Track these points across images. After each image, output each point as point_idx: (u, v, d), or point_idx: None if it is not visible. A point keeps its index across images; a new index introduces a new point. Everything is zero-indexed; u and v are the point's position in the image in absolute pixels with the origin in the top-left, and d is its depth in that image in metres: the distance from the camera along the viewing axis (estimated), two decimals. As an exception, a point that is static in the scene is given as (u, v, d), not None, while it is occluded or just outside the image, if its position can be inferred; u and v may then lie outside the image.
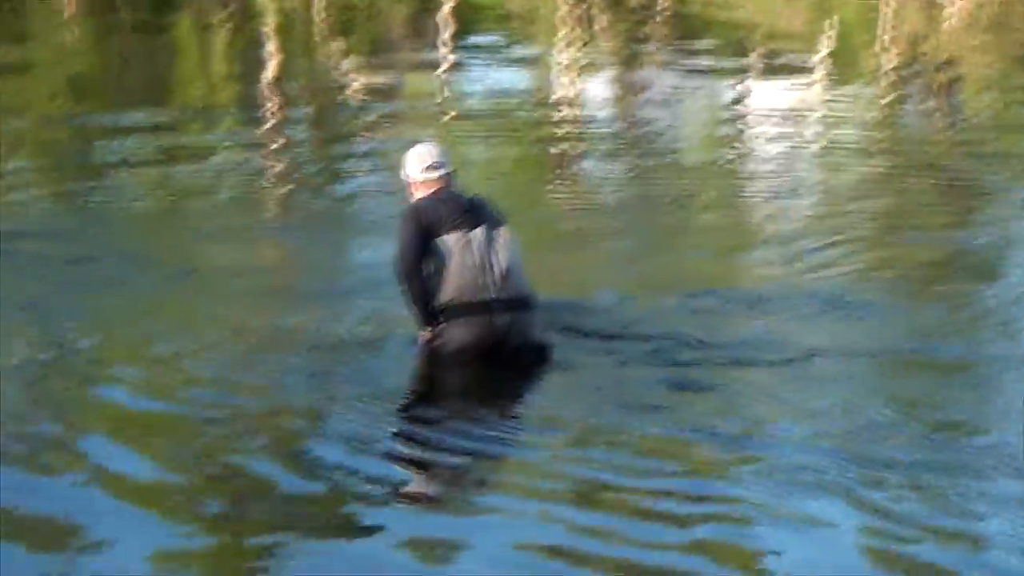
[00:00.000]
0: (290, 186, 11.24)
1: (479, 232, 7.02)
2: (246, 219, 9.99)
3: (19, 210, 9.91)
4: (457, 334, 6.96)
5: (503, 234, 7.07)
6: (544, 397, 6.91)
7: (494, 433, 6.32)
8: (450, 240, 6.99)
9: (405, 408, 6.70)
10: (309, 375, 6.87)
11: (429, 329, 6.99)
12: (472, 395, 6.88)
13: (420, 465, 6.05)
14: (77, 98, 15.05)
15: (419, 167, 7.23)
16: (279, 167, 11.92)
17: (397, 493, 5.71)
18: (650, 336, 7.35)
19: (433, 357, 6.99)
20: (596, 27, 21.76)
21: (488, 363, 6.92)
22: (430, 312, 6.96)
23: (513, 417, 6.67)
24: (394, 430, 6.43)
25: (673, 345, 7.25)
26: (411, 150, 7.31)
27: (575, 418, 6.43)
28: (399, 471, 5.97)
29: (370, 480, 5.75)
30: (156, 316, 7.64)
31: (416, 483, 5.91)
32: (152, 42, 19.09)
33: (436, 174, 7.21)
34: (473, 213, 7.11)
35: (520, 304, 7.02)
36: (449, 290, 6.94)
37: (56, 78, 16.37)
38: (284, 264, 9.07)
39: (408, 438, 6.32)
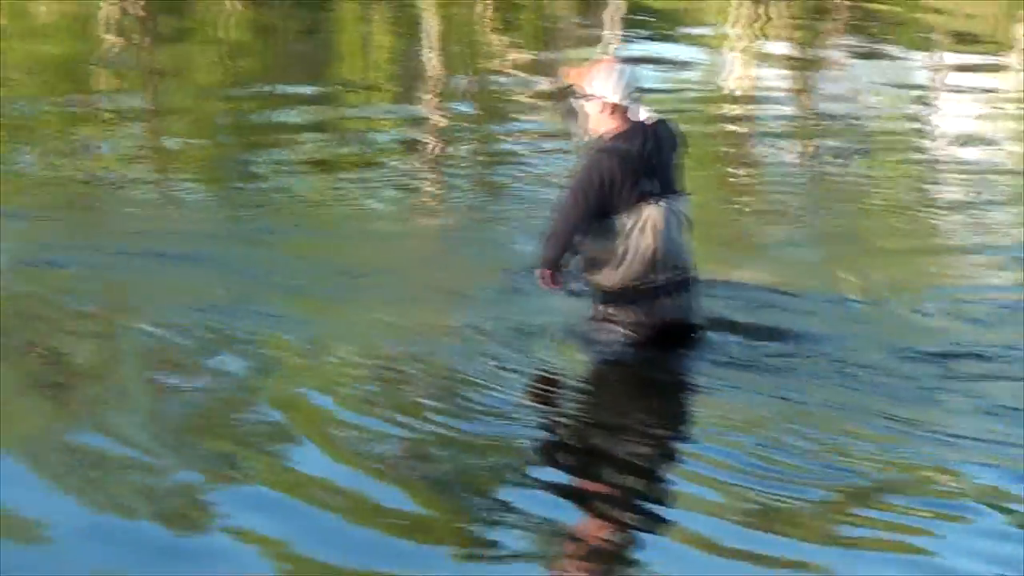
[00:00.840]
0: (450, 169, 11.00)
1: (665, 206, 6.28)
2: (406, 211, 9.81)
3: (182, 205, 9.83)
4: (629, 317, 6.40)
5: (684, 205, 6.40)
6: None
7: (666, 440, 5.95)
8: (635, 216, 6.25)
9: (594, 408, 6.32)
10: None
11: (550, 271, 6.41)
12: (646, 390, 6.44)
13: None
14: (237, 74, 15.33)
15: (622, 89, 6.27)
16: (439, 150, 11.74)
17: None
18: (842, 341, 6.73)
19: (600, 340, 6.50)
20: (771, 13, 20.92)
21: (656, 348, 6.47)
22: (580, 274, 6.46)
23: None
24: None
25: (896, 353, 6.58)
26: (606, 65, 6.41)
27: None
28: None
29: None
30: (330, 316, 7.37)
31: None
32: (314, 19, 19.12)
33: (635, 105, 6.31)
34: (661, 168, 6.30)
35: (692, 284, 6.48)
36: (624, 270, 6.33)
37: (217, 51, 16.63)
38: (445, 260, 8.60)
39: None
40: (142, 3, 19.72)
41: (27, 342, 6.85)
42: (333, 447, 5.74)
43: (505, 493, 5.34)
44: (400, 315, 7.18)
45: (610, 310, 6.44)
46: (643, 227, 6.28)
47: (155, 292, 7.55)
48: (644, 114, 6.37)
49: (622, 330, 6.44)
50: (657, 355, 6.46)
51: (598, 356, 6.57)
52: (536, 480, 5.50)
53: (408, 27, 18.98)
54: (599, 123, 6.33)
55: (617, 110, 6.28)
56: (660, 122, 6.40)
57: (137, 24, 18.88)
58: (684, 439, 6.01)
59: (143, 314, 7.20)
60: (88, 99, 13.84)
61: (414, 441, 5.77)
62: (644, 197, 6.24)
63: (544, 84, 14.68)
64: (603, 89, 6.27)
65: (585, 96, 6.34)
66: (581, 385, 6.57)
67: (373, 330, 7.08)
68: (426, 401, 6.17)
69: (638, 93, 6.36)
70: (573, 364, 6.69)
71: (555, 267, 6.41)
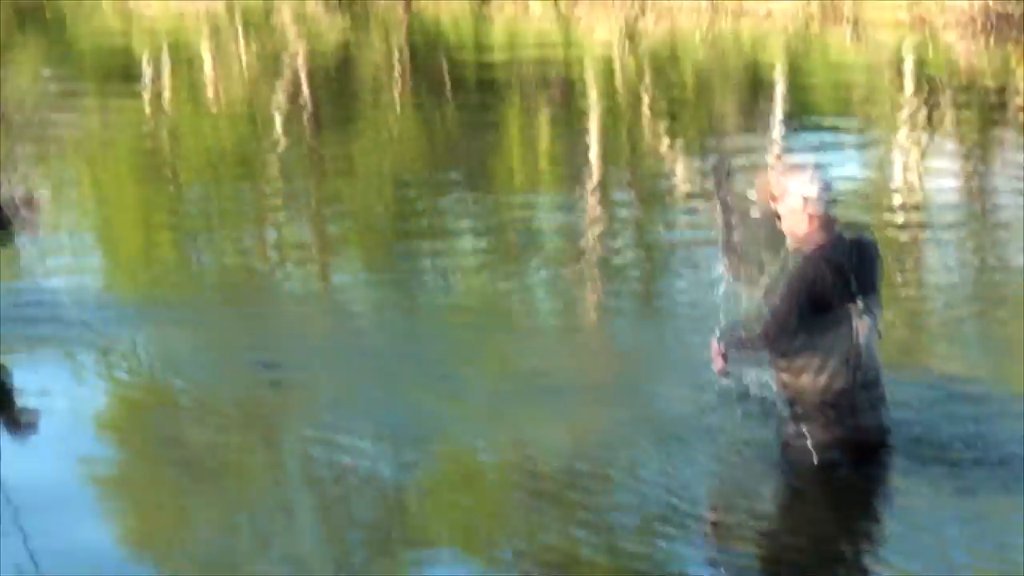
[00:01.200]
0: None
1: (868, 317, 6.34)
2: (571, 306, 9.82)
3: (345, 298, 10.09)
4: (828, 435, 6.37)
5: (880, 318, 6.45)
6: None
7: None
8: (841, 324, 6.29)
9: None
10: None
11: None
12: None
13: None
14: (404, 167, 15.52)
15: (823, 193, 6.34)
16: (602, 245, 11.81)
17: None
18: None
19: (794, 458, 6.46)
20: (943, 118, 20.63)
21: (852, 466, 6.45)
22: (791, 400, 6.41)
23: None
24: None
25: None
26: (803, 169, 6.51)
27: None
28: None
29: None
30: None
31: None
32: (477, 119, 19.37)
33: (831, 209, 6.38)
34: (865, 281, 6.36)
35: (885, 398, 6.42)
36: (826, 377, 6.31)
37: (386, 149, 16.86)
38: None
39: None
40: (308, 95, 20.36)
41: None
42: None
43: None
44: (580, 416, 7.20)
45: (805, 427, 6.40)
46: (848, 335, 6.29)
47: (317, 390, 7.63)
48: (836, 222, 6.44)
49: (819, 448, 6.38)
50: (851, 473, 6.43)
51: (791, 476, 6.54)
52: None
53: (571, 124, 19.21)
54: (796, 225, 6.36)
55: (816, 216, 6.32)
56: (861, 235, 6.53)
57: (305, 114, 19.46)
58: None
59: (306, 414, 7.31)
60: (258, 188, 14.30)
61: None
62: (851, 307, 6.28)
63: (705, 182, 14.54)
64: (802, 193, 6.33)
65: (784, 200, 6.37)
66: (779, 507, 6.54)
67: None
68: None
69: (833, 200, 6.42)
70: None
71: (741, 351, 6.40)
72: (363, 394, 7.57)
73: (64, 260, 10.28)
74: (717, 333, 6.44)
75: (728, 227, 6.79)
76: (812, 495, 6.46)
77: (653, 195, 14.39)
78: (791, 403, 6.46)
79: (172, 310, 9.17)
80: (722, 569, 5.85)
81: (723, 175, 6.95)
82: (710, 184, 7.21)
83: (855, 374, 6.35)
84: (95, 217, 12.96)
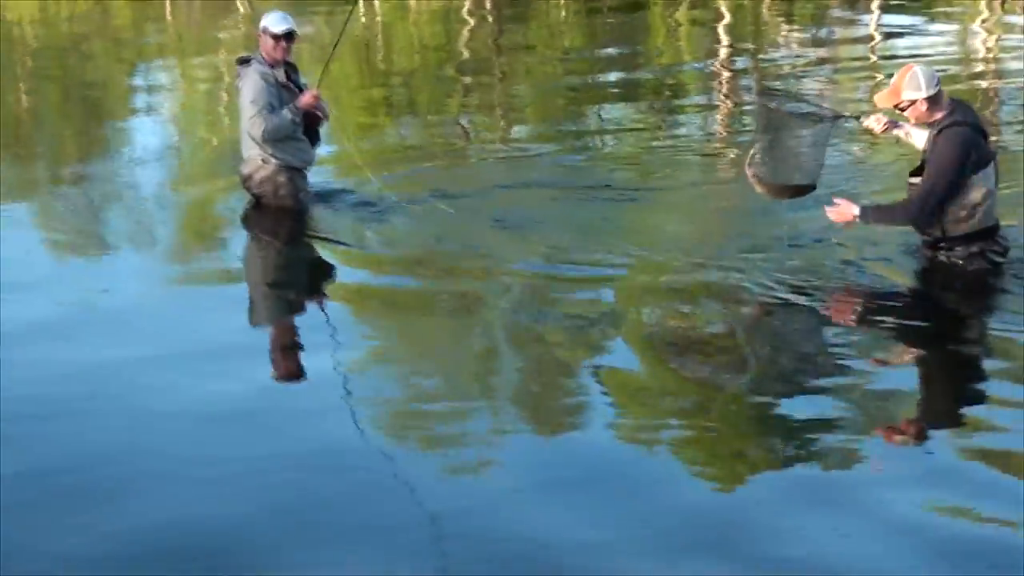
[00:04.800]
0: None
1: (993, 163, 6.95)
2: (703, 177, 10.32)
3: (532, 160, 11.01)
4: (1000, 249, 7.06)
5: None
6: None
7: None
8: (983, 174, 6.86)
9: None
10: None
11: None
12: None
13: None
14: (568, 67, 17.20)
15: (930, 83, 6.84)
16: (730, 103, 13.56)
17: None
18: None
19: (986, 272, 7.04)
20: None
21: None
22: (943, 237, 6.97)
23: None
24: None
25: None
26: (907, 72, 6.89)
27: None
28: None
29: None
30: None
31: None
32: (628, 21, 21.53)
33: (941, 94, 6.91)
34: (984, 134, 6.97)
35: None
36: (983, 216, 6.93)
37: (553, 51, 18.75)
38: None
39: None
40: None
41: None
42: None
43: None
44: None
45: (961, 254, 7.02)
46: (986, 182, 6.89)
47: (508, 242, 8.29)
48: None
49: (976, 261, 7.04)
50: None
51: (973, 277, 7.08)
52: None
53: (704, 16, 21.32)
54: (925, 116, 6.89)
55: (933, 99, 6.84)
56: (960, 100, 7.15)
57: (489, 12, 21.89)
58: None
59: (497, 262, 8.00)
60: (451, 79, 16.23)
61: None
62: (986, 159, 6.90)
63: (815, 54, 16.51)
64: (918, 91, 6.82)
65: (907, 104, 6.87)
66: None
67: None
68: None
69: (938, 81, 6.95)
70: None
71: (882, 222, 7.06)
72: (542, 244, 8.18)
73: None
74: (856, 208, 6.91)
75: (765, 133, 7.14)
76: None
77: (771, 68, 15.85)
78: (947, 240, 7.00)
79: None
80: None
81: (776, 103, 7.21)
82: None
83: (990, 211, 6.91)
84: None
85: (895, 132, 7.26)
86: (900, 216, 7.02)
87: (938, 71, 7.29)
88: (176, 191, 10.63)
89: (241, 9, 25.78)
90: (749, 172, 7.32)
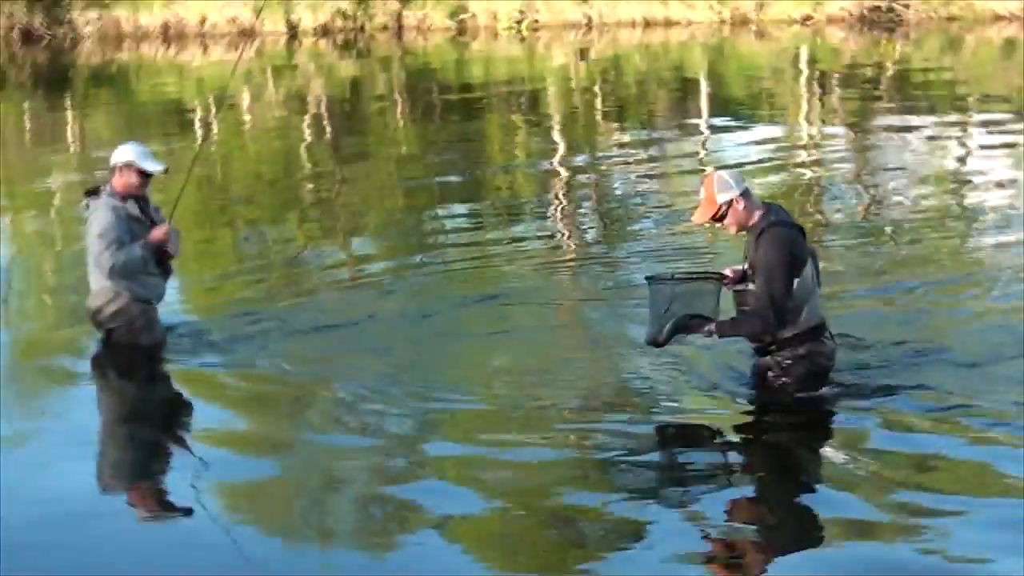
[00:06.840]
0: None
1: (812, 261, 6.98)
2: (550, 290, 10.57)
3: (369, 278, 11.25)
4: (826, 351, 7.10)
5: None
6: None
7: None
8: (809, 268, 6.88)
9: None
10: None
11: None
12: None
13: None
14: (405, 172, 17.52)
15: (740, 181, 6.93)
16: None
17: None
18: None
19: (814, 374, 7.12)
20: (833, 98, 23.41)
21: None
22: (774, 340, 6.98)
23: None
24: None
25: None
26: (713, 177, 6.97)
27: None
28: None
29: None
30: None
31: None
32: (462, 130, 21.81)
33: (751, 193, 6.99)
34: (803, 232, 7.01)
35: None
36: (807, 314, 6.93)
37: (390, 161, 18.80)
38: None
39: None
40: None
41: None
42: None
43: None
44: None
45: (788, 356, 7.02)
46: (809, 280, 6.90)
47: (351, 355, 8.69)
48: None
49: (804, 367, 7.06)
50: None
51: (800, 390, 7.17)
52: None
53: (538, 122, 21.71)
54: (744, 217, 6.89)
55: (747, 197, 6.87)
56: (771, 203, 7.15)
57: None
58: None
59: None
60: (294, 188, 16.25)
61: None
62: (805, 257, 6.92)
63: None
64: (731, 190, 6.85)
65: (725, 209, 6.87)
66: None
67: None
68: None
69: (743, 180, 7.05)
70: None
71: (736, 336, 7.06)
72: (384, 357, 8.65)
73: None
74: (711, 325, 6.84)
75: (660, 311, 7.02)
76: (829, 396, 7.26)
77: (605, 169, 16.47)
78: (776, 344, 6.99)
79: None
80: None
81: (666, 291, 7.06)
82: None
83: (814, 308, 6.88)
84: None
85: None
86: (758, 326, 6.95)
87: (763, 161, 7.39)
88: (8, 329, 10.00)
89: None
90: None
